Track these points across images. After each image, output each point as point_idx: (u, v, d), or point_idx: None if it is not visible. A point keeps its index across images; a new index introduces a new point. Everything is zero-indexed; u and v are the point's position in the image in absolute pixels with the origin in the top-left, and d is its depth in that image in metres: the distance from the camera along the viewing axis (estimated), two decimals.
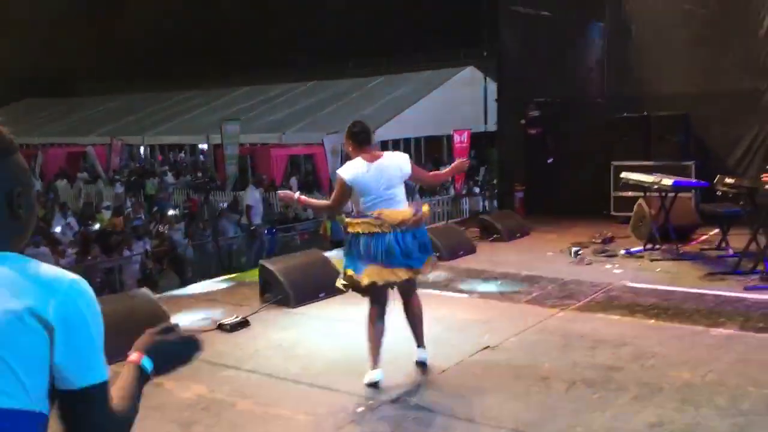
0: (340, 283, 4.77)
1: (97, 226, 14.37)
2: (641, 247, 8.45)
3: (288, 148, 23.19)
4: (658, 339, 5.40)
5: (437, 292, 7.03)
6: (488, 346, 5.35)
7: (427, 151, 26.55)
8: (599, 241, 9.01)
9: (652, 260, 8.01)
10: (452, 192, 17.42)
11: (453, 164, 5.41)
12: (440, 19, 30.51)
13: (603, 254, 8.41)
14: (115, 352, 5.27)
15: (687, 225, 8.92)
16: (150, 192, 21.33)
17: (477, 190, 17.81)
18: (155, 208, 17.34)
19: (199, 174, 24.55)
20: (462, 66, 24.99)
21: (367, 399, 4.47)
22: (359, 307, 5.91)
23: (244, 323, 6.02)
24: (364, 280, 4.50)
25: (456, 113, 20.39)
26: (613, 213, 10.39)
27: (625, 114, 10.42)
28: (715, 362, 4.88)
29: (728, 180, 7.31)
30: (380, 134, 23.20)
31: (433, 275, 7.60)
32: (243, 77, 32.65)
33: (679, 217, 8.70)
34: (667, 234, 8.23)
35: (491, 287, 7.13)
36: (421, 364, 4.88)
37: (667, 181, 7.80)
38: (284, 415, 4.29)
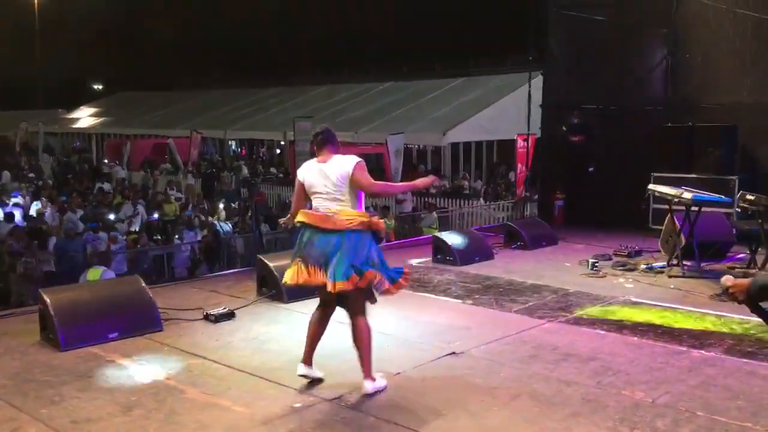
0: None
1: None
2: (665, 263, 8.15)
3: (357, 147, 23.42)
4: (631, 357, 5.25)
5: (432, 296, 7.04)
6: (453, 353, 5.33)
7: (500, 155, 26.25)
8: (625, 253, 8.75)
9: (670, 276, 7.73)
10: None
11: (417, 180, 5.18)
12: (489, 23, 30.24)
13: (622, 267, 8.17)
14: (101, 333, 5.52)
15: (721, 242, 8.54)
16: (221, 185, 22.03)
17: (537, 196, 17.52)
18: (222, 200, 17.97)
19: (272, 169, 25.16)
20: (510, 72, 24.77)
21: (308, 396, 4.56)
22: None
23: (229, 315, 6.21)
24: (285, 277, 4.59)
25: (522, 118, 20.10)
26: (651, 226, 10.05)
27: (669, 124, 10.06)
28: (677, 384, 4.71)
29: (749, 196, 6.97)
30: (452, 136, 23.21)
31: (437, 278, 7.67)
32: (325, 76, 33.22)
33: (711, 233, 8.36)
34: (692, 250, 7.91)
35: (489, 294, 7.05)
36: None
37: (688, 195, 7.51)
38: (223, 405, 4.42)
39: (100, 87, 58.56)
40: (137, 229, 13.58)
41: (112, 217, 14.14)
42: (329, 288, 4.43)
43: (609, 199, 10.59)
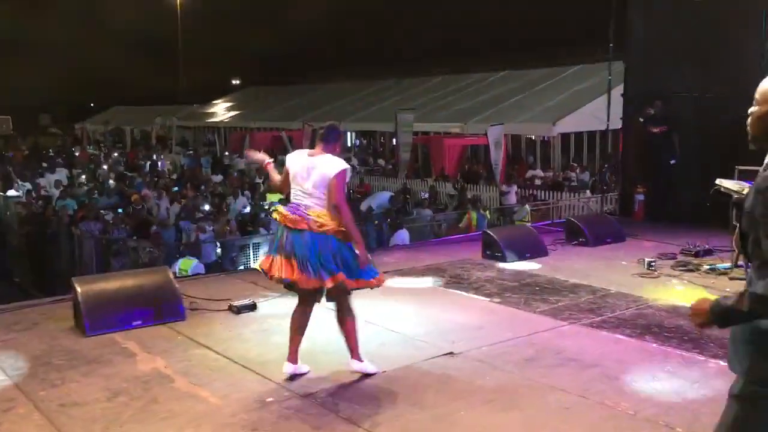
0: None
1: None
2: (730, 263, 7.57)
3: (462, 139, 23.23)
4: (638, 365, 4.95)
5: (462, 293, 6.90)
6: (450, 353, 5.23)
7: (614, 142, 25.17)
8: (692, 252, 8.19)
9: (731, 279, 7.17)
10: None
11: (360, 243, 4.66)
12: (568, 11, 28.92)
13: (682, 268, 7.66)
14: (125, 321, 5.84)
15: None
16: None
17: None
18: None
19: (379, 160, 25.42)
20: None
21: (285, 390, 4.62)
22: (375, 305, 6.11)
23: (252, 306, 6.37)
24: (258, 264, 4.72)
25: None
26: (735, 223, 9.32)
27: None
28: (672, 395, 4.40)
29: None
30: (562, 126, 22.50)
31: (476, 275, 7.52)
32: (440, 66, 33.12)
33: None
34: None
35: (521, 293, 6.83)
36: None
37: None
38: (200, 396, 4.57)
39: (238, 82, 61.43)
40: (228, 219, 14.14)
41: (206, 207, 14.78)
42: (328, 285, 4.50)
43: (692, 193, 9.93)
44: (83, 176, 23.20)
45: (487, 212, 15.89)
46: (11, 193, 19.23)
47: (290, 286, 4.72)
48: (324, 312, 4.99)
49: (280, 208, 4.75)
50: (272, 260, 4.60)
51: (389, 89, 33.02)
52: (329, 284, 4.54)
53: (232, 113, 38.84)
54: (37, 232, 14.55)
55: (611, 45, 10.52)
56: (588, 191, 18.90)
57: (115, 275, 6.90)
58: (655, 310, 6.25)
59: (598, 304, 6.43)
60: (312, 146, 4.95)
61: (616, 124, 16.94)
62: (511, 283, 7.20)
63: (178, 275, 10.04)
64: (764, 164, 2.37)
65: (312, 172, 4.61)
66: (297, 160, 4.74)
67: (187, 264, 10.52)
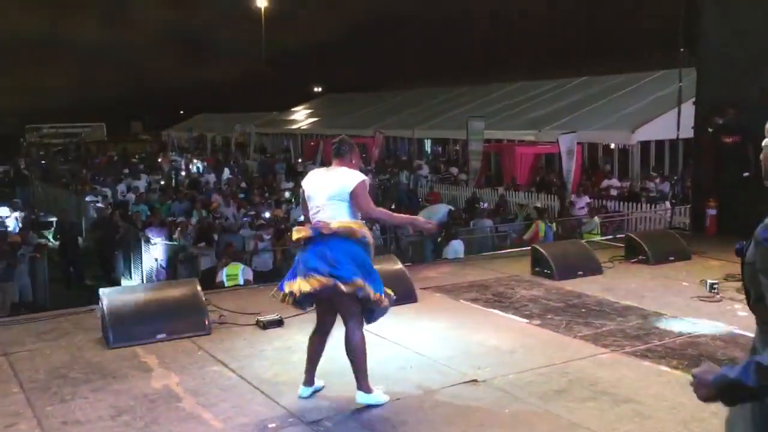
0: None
1: None
2: None
3: (535, 147, 22.61)
4: (678, 401, 4.47)
5: (500, 312, 6.53)
6: (474, 380, 4.89)
7: (687, 152, 23.99)
8: None
9: None
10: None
11: (419, 218, 4.87)
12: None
13: None
14: (149, 334, 5.75)
15: None
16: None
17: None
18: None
19: (451, 169, 25.06)
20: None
21: (289, 416, 4.41)
22: (404, 323, 5.86)
23: (279, 322, 6.19)
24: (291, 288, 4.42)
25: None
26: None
27: None
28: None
29: None
30: (642, 134, 21.57)
31: (521, 293, 7.13)
32: (517, 72, 32.49)
33: None
34: None
35: (565, 315, 6.39)
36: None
37: None
38: (203, 419, 4.40)
39: (319, 89, 62.29)
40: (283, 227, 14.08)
41: (267, 215, 14.79)
42: (343, 288, 4.26)
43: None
44: (162, 182, 23.78)
45: (554, 224, 15.32)
46: (89, 198, 19.87)
47: (300, 303, 4.52)
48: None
49: (296, 227, 4.55)
50: (307, 281, 4.37)
51: (464, 95, 32.60)
52: (345, 288, 4.29)
53: (310, 120, 39.22)
54: (107, 237, 14.89)
55: (681, 50, 9.88)
56: (667, 203, 18.03)
57: (142, 287, 6.85)
58: (709, 339, 5.72)
59: (646, 330, 5.94)
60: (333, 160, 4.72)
61: (689, 133, 16.09)
62: (556, 304, 6.77)
63: (225, 282, 10.07)
64: None
65: (328, 186, 4.42)
66: (311, 181, 4.57)
67: (234, 269, 10.44)
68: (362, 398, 4.45)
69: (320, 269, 4.26)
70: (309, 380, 4.65)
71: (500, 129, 25.12)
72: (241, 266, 10.63)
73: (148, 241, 13.19)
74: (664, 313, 6.44)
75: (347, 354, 4.44)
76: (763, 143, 2.12)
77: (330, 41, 51.35)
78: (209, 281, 12.13)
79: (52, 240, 16.75)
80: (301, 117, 41.69)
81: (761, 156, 2.13)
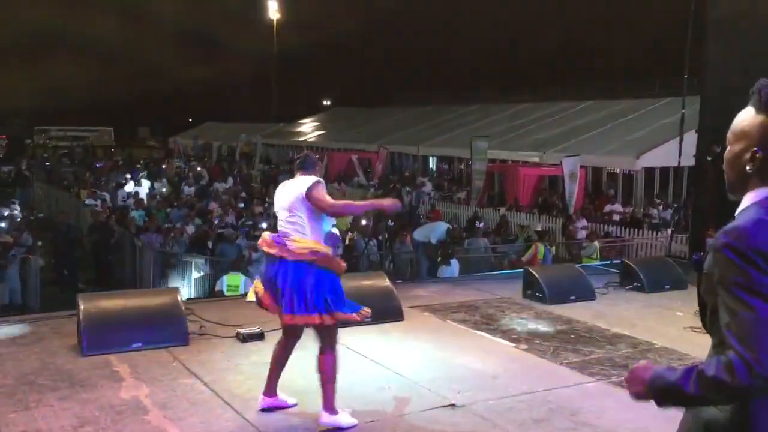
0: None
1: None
2: None
3: (539, 168, 22.49)
4: None
5: (487, 336, 6.37)
6: (452, 404, 4.73)
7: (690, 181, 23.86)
8: None
9: None
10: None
11: (384, 199, 4.90)
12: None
13: None
14: (124, 342, 5.63)
15: None
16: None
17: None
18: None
19: (453, 187, 24.93)
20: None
21: None
22: (387, 343, 5.75)
23: (259, 336, 6.04)
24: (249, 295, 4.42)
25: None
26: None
27: None
28: None
29: None
30: (646, 160, 21.45)
31: (509, 316, 6.98)
32: (525, 94, 32.45)
33: None
34: None
35: (553, 341, 6.23)
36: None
37: None
38: None
39: (328, 102, 62.44)
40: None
41: (264, 225, 14.67)
42: (286, 321, 4.23)
43: None
44: (164, 189, 23.69)
45: (553, 247, 15.16)
46: (89, 201, 19.79)
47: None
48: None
49: (265, 234, 4.47)
50: (261, 289, 4.35)
51: (471, 114, 32.54)
52: (317, 321, 4.21)
53: (317, 133, 39.20)
54: (103, 241, 14.79)
55: (686, 77, 9.77)
56: (669, 230, 17.85)
57: (121, 293, 6.69)
58: None
59: (635, 360, 5.77)
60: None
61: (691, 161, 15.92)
62: (545, 329, 6.60)
63: (225, 291, 9.94)
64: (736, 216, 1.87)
65: (288, 196, 4.36)
66: (278, 191, 4.54)
67: (235, 279, 10.32)
68: (327, 419, 4.29)
69: (296, 303, 4.17)
70: (269, 392, 4.54)
71: (505, 149, 25.02)
72: (242, 277, 10.50)
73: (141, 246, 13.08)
74: (654, 342, 6.28)
75: (318, 371, 4.31)
76: (725, 154, 2.01)
77: (341, 54, 51.46)
78: (205, 290, 12.05)
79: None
80: (308, 129, 41.69)
81: (723, 166, 2.01)
